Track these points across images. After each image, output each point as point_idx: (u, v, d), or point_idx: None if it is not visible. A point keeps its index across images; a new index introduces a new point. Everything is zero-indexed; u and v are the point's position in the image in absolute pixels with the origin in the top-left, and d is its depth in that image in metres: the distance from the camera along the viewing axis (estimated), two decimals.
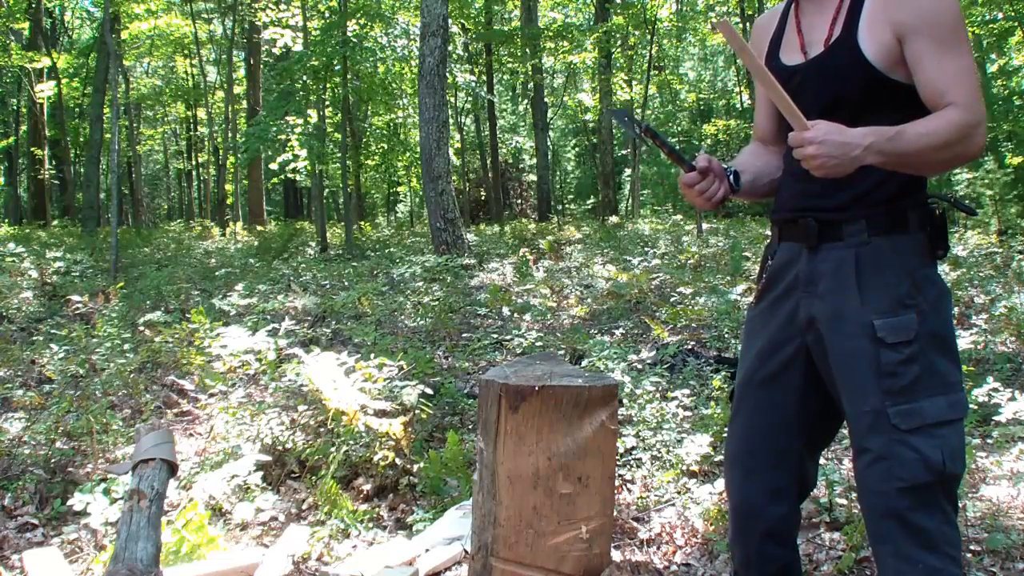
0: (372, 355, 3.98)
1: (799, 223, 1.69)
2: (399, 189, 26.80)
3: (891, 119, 1.57)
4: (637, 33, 19.13)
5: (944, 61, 1.53)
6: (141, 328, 5.97)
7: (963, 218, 10.30)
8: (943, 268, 6.04)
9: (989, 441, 3.39)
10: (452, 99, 21.33)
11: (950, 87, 1.53)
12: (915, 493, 1.54)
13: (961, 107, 1.52)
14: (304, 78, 13.80)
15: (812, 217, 1.66)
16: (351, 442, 3.32)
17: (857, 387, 1.59)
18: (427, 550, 2.70)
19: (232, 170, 22.49)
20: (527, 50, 19.25)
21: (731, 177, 1.76)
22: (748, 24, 21.06)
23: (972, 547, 2.56)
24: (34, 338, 5.93)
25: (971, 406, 3.35)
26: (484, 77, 20.86)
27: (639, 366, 4.43)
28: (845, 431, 3.31)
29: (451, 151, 12.46)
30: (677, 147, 1.73)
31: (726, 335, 5.74)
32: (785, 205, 1.75)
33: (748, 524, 1.79)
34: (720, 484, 2.92)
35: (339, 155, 14.58)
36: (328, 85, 14.21)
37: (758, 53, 1.81)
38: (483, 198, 24.27)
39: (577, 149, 30.52)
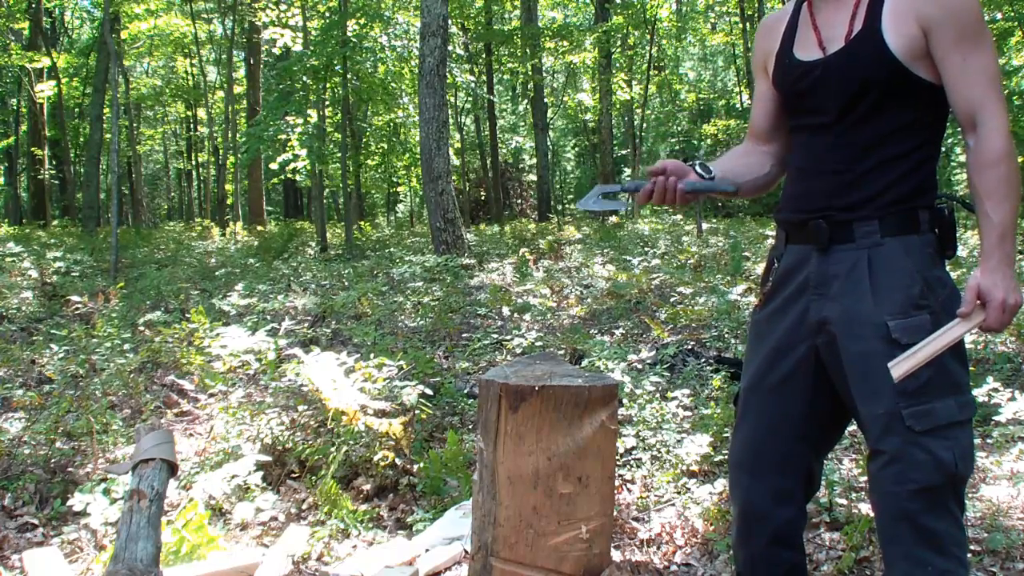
0: (372, 355, 3.98)
1: (808, 225, 1.67)
2: (399, 189, 26.78)
3: (908, 115, 1.60)
4: (637, 33, 19.14)
5: (970, 58, 1.54)
6: (141, 328, 5.97)
7: (963, 218, 10.29)
8: None
9: (989, 441, 3.39)
10: (452, 99, 21.32)
11: (979, 95, 1.54)
12: (927, 495, 1.55)
13: (997, 116, 1.54)
14: (304, 78, 13.79)
15: (822, 218, 1.65)
16: (351, 442, 3.32)
17: (871, 389, 1.59)
18: (427, 550, 2.70)
19: (232, 170, 22.48)
20: (527, 50, 19.23)
21: (698, 167, 1.75)
22: (748, 24, 21.06)
23: (972, 547, 2.56)
24: (34, 338, 5.93)
25: None
26: (484, 77, 20.85)
27: (639, 366, 4.43)
28: (847, 431, 3.31)
29: (451, 151, 12.45)
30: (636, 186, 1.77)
31: (726, 335, 5.74)
32: (792, 205, 1.74)
33: (755, 527, 1.78)
34: (720, 484, 2.91)
35: (339, 155, 14.57)
36: (328, 85, 14.20)
37: (766, 52, 1.82)
38: (483, 198, 24.26)
39: (577, 149, 30.53)
